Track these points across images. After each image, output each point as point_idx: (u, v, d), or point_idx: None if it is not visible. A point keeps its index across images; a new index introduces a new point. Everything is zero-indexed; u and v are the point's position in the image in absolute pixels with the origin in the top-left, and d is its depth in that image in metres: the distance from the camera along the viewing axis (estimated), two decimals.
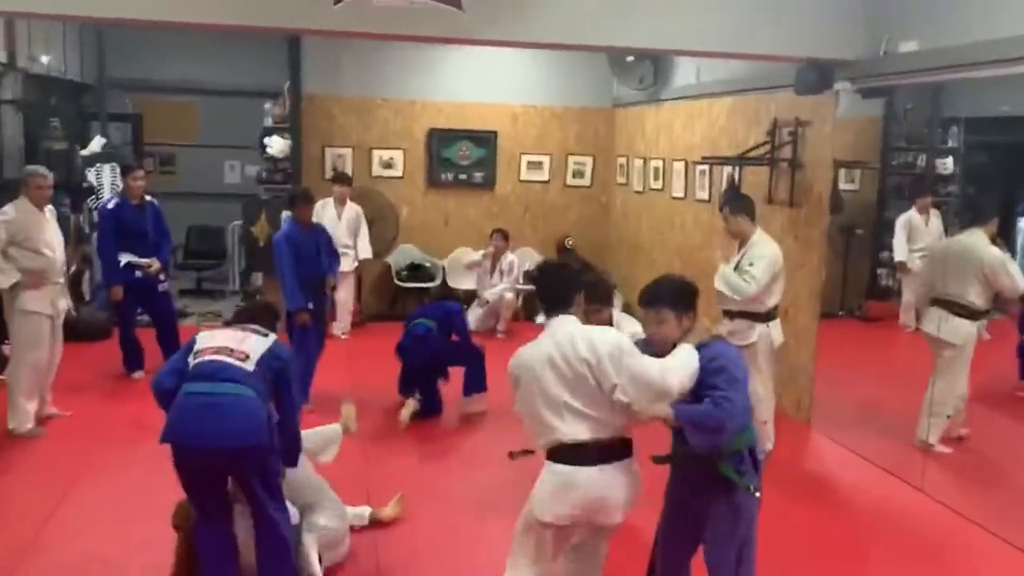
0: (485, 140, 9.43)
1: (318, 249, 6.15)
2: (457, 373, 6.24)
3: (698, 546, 3.18)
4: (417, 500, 4.61)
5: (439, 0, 4.78)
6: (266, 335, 3.55)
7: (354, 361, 7.33)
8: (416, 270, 9.25)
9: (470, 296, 9.01)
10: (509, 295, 8.73)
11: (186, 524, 3.57)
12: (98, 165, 8.18)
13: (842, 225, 7.48)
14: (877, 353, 7.69)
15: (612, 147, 9.74)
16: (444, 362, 6.22)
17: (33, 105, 8.13)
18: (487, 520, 4.52)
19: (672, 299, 3.06)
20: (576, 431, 2.95)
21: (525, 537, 3.15)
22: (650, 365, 2.91)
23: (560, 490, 3.00)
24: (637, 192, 9.11)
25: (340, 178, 8.28)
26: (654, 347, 3.06)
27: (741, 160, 6.74)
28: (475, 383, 6.21)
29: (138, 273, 6.57)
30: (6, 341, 5.94)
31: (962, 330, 5.31)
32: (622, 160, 9.55)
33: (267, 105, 8.88)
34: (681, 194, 8.09)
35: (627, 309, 6.10)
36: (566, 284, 3.21)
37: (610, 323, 4.02)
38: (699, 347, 3.01)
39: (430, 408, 6.07)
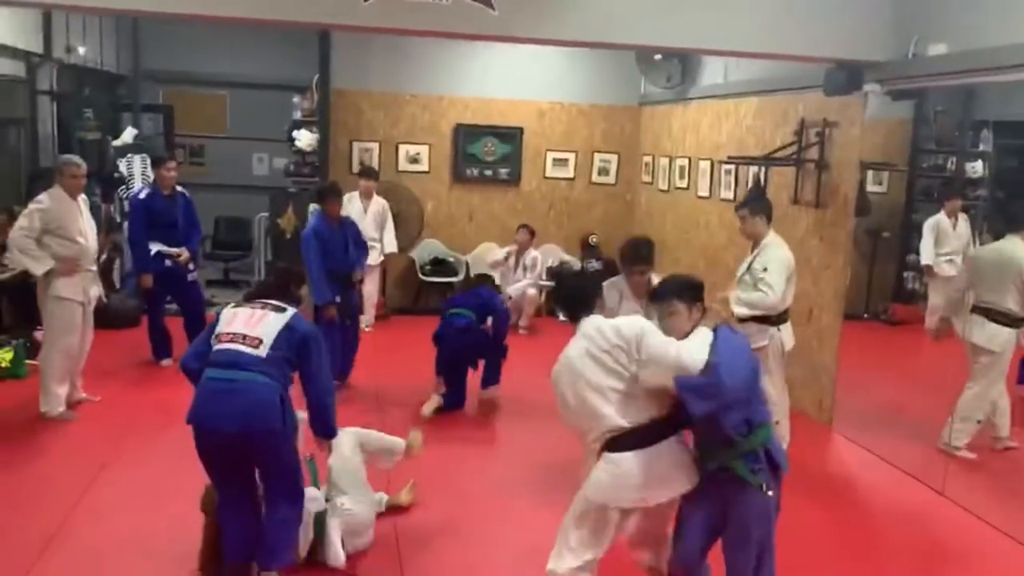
0: (511, 136, 9.47)
1: (346, 243, 6.21)
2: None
3: (715, 539, 3.22)
4: (438, 488, 4.68)
5: None
6: (284, 310, 3.56)
7: (378, 354, 7.41)
8: (440, 265, 9.31)
9: None
10: (532, 291, 8.77)
11: (212, 508, 3.65)
12: (129, 155, 8.31)
13: (869, 227, 7.44)
14: (901, 356, 7.65)
15: (638, 145, 9.74)
16: (478, 354, 6.26)
17: (67, 95, 8.27)
18: (506, 507, 4.59)
19: (680, 292, 3.27)
20: (625, 414, 3.10)
21: (577, 526, 3.24)
22: (667, 344, 3.11)
23: (623, 476, 3.11)
24: (662, 190, 9.11)
25: (367, 172, 8.35)
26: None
27: (767, 160, 6.73)
28: (492, 377, 6.32)
29: (168, 262, 6.67)
30: (39, 327, 6.06)
31: (1001, 337, 5.26)
32: (647, 158, 9.55)
33: (296, 99, 8.96)
34: (706, 193, 8.09)
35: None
36: (585, 289, 3.45)
37: (650, 285, 4.24)
38: (714, 330, 3.18)
39: (454, 402, 6.11)
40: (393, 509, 4.40)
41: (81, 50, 8.36)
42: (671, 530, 3.35)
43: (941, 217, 7.89)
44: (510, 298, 8.78)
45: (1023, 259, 5.29)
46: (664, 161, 9.08)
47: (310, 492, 3.84)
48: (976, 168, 8.32)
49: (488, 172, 9.49)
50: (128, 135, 8.49)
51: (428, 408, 5.93)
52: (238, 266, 10.43)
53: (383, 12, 4.84)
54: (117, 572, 3.82)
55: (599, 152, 9.74)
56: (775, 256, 5.16)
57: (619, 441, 3.12)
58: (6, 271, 6.26)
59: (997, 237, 6.21)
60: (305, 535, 3.76)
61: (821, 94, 5.98)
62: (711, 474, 3.14)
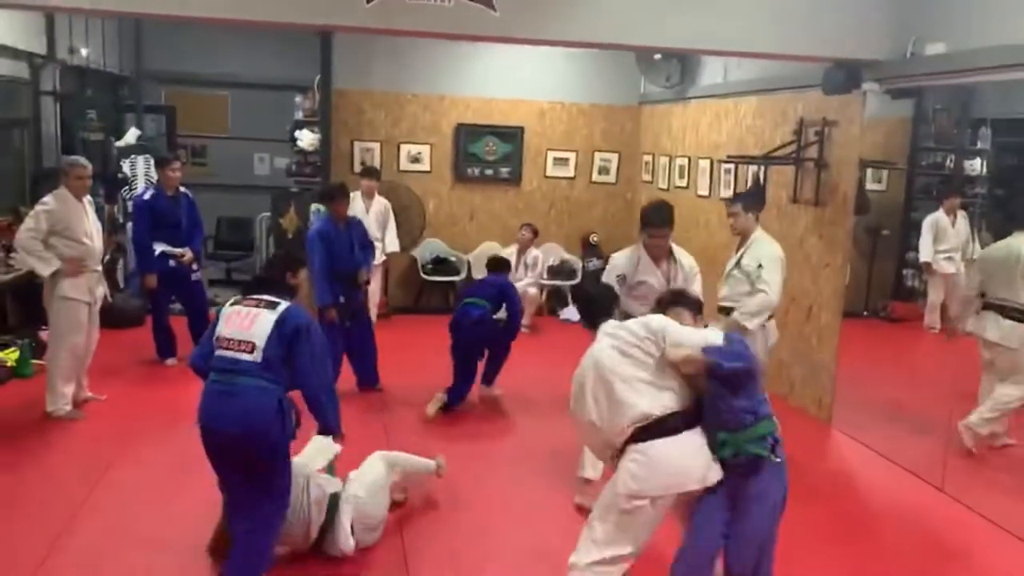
0: (512, 136, 9.51)
1: (352, 244, 6.21)
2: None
3: (722, 543, 3.25)
4: (443, 486, 4.71)
5: None
6: (276, 305, 3.53)
7: (381, 353, 7.42)
8: (441, 264, 9.35)
9: None
10: (533, 290, 8.81)
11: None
12: (132, 156, 8.35)
13: (868, 225, 7.48)
14: (900, 353, 7.69)
15: (638, 144, 9.79)
16: (491, 345, 6.30)
17: (71, 96, 8.31)
18: (511, 504, 4.63)
19: (686, 302, 3.62)
20: (653, 403, 3.20)
21: (602, 520, 3.30)
22: (685, 330, 3.35)
23: (651, 464, 3.18)
24: (662, 189, 9.15)
25: (369, 172, 8.37)
26: None
27: (767, 159, 6.77)
28: (493, 375, 6.39)
29: (172, 262, 6.72)
30: (45, 327, 6.11)
31: (1017, 332, 5.26)
32: (647, 157, 9.59)
33: (298, 99, 9.00)
34: (706, 192, 8.13)
35: None
36: (605, 299, 3.66)
37: (671, 252, 4.50)
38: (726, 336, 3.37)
39: (460, 394, 6.13)
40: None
41: (84, 51, 8.40)
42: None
43: (940, 215, 7.93)
44: None
45: None
46: (664, 160, 9.12)
47: (326, 477, 3.93)
48: (975, 166, 8.35)
49: (489, 171, 9.53)
50: (131, 136, 8.54)
51: (432, 408, 5.98)
52: (240, 266, 10.47)
53: (385, 14, 4.88)
54: (124, 569, 3.86)
55: (599, 151, 9.79)
56: (767, 253, 5.20)
57: (647, 431, 3.20)
58: (12, 272, 6.30)
59: (996, 234, 6.25)
60: (317, 516, 3.82)
61: (820, 93, 6.02)
62: (726, 464, 3.21)
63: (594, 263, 9.61)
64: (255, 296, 3.59)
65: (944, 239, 7.79)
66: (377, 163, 9.03)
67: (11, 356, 6.34)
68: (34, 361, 6.38)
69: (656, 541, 3.34)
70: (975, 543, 4.52)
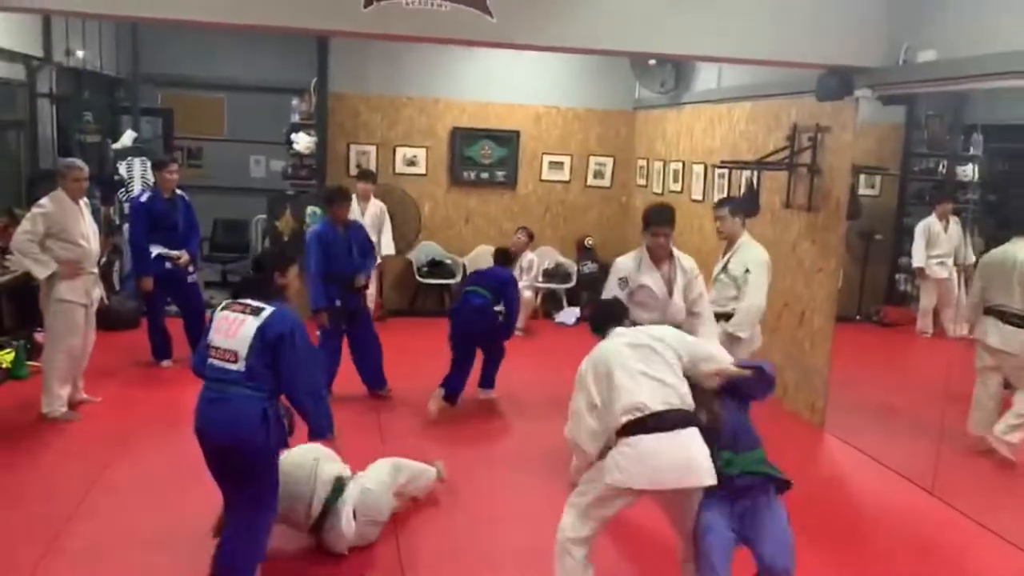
0: (507, 140, 9.55)
1: (350, 247, 6.21)
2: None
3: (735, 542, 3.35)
4: (438, 489, 4.74)
5: (468, 5, 4.90)
6: (261, 311, 3.46)
7: None
8: (437, 267, 9.38)
9: None
10: (528, 293, 8.84)
11: None
12: (129, 158, 8.35)
13: (861, 230, 7.53)
14: (893, 358, 7.75)
15: (632, 149, 9.84)
16: (489, 335, 6.33)
17: (67, 98, 8.32)
18: (506, 508, 4.67)
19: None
20: (653, 396, 3.31)
21: (600, 505, 3.41)
22: (710, 343, 3.77)
23: (638, 458, 3.26)
24: (656, 194, 9.18)
25: (365, 175, 8.41)
26: None
27: (760, 164, 6.81)
28: (489, 380, 6.43)
29: (168, 264, 6.72)
30: (40, 328, 6.12)
31: (1017, 338, 5.30)
32: (642, 162, 9.64)
33: (294, 102, 9.03)
34: (700, 197, 8.17)
35: None
36: (621, 310, 3.86)
37: (671, 254, 4.65)
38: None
39: (455, 386, 6.13)
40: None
41: (80, 53, 8.41)
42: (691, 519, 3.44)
43: (932, 220, 7.98)
44: None
45: (1021, 257, 5.36)
46: (658, 165, 9.16)
47: (339, 463, 4.05)
48: (967, 171, 8.42)
49: (485, 175, 9.56)
50: (127, 138, 8.54)
51: (433, 405, 6.00)
52: (236, 268, 10.47)
53: (382, 19, 4.91)
54: (121, 569, 3.88)
55: (594, 155, 9.84)
56: (754, 257, 5.25)
57: (641, 425, 3.28)
58: (8, 273, 6.31)
59: (988, 240, 6.31)
60: (322, 494, 3.90)
61: (813, 99, 6.07)
62: (733, 484, 3.31)
63: (589, 267, 9.66)
64: (242, 301, 3.55)
65: (936, 244, 7.85)
66: (373, 166, 9.07)
67: (6, 358, 6.35)
68: (29, 363, 6.39)
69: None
70: (966, 546, 4.56)
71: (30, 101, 7.95)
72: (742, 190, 7.20)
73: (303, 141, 8.81)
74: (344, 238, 6.18)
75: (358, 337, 6.33)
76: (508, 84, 9.41)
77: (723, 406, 3.45)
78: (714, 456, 3.28)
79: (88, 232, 5.71)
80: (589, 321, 3.82)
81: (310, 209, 8.62)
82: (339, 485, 3.97)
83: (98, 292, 5.91)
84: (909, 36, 5.33)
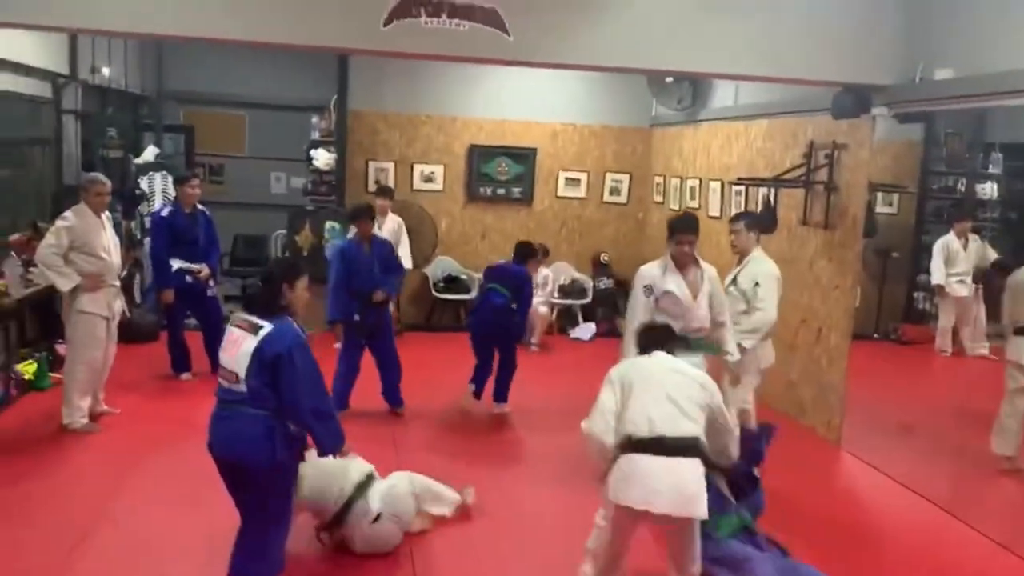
0: (524, 156, 9.62)
1: (373, 263, 6.22)
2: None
3: None
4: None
5: (486, 24, 4.97)
6: (259, 328, 3.38)
7: None
8: (453, 282, 9.43)
9: None
10: (543, 309, 8.86)
11: None
12: (151, 174, 8.47)
13: (879, 248, 7.52)
14: (911, 376, 7.70)
15: (649, 165, 9.87)
16: (506, 336, 6.51)
17: (91, 115, 8.46)
18: (520, 524, 4.66)
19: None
20: (665, 420, 3.42)
21: (601, 528, 3.60)
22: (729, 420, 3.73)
23: (634, 474, 3.38)
24: (673, 210, 9.19)
25: (382, 191, 8.48)
26: None
27: (777, 182, 6.82)
28: (502, 393, 6.52)
29: (188, 278, 6.80)
30: (62, 340, 6.20)
31: None
32: (659, 179, 9.66)
33: (314, 119, 9.15)
34: (717, 213, 8.18)
35: None
36: (666, 336, 3.91)
37: (698, 264, 4.71)
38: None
39: (483, 375, 6.49)
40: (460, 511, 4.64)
41: (105, 71, 8.55)
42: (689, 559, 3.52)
43: (951, 238, 7.94)
44: None
45: None
46: (675, 181, 9.18)
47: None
48: (987, 190, 8.39)
49: (501, 191, 9.62)
50: (150, 154, 8.67)
51: (467, 403, 6.41)
52: (256, 283, 10.55)
53: (401, 37, 4.99)
54: None
55: (611, 172, 9.87)
56: (763, 271, 5.25)
57: (640, 442, 3.39)
58: (31, 286, 6.40)
59: (1007, 257, 6.27)
60: (345, 489, 4.06)
61: (830, 117, 6.07)
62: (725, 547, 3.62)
63: (604, 283, 9.67)
64: (245, 317, 3.48)
65: (956, 262, 7.81)
66: (391, 182, 9.15)
67: (29, 369, 6.43)
68: (51, 374, 6.47)
69: None
70: (986, 567, 4.50)
71: (56, 118, 8.08)
72: (759, 207, 7.21)
73: (323, 158, 8.92)
74: (368, 255, 6.23)
75: (378, 353, 6.37)
76: (525, 102, 9.48)
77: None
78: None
79: (110, 245, 5.79)
80: (638, 342, 3.91)
81: (329, 224, 8.71)
82: (366, 482, 4.13)
83: (119, 305, 5.98)
84: (926, 54, 5.33)
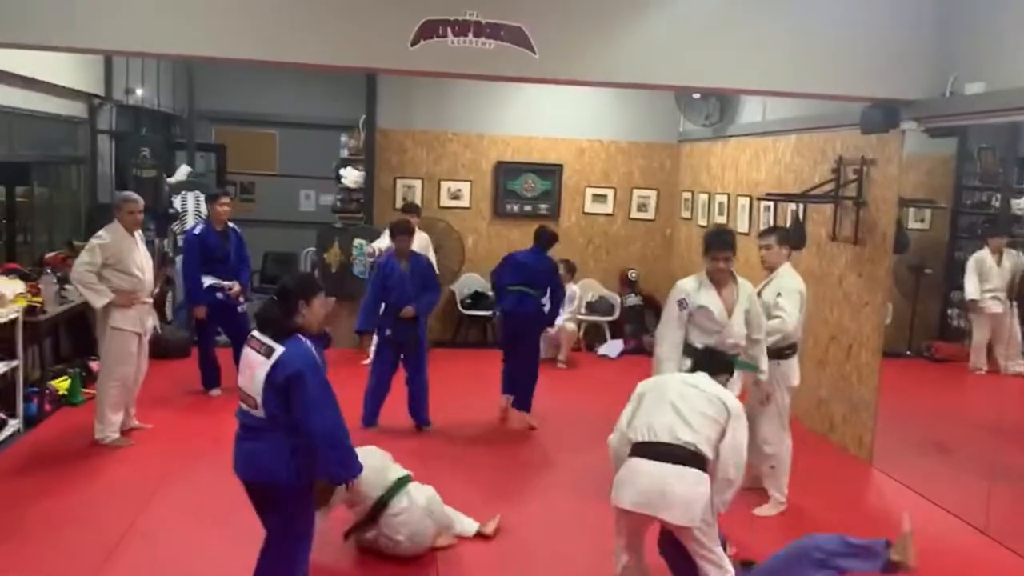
0: (550, 173, 9.64)
1: (408, 281, 6.27)
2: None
3: None
4: (475, 516, 4.74)
5: (512, 42, 5.00)
6: (272, 352, 3.31)
7: None
8: (480, 299, 9.44)
9: None
10: (571, 325, 8.84)
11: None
12: (183, 192, 8.61)
13: (911, 264, 7.42)
14: (945, 394, 7.56)
15: (677, 181, 9.84)
16: (534, 335, 6.65)
17: (126, 135, 8.63)
18: (545, 538, 4.64)
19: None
20: (664, 427, 3.54)
21: (616, 527, 3.72)
22: (745, 441, 3.68)
23: (627, 477, 3.52)
24: (701, 226, 9.17)
25: (410, 208, 8.52)
26: None
27: (806, 197, 6.77)
28: (526, 401, 6.61)
29: (219, 295, 6.88)
30: (95, 356, 6.29)
31: None
32: (687, 195, 9.64)
33: (343, 137, 9.25)
34: (745, 229, 8.13)
35: None
36: (717, 362, 4.01)
37: (734, 278, 4.69)
38: None
39: (512, 383, 6.58)
40: (478, 536, 4.60)
41: (139, 92, 8.73)
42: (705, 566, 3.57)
43: (985, 253, 7.82)
44: (548, 333, 8.86)
45: None
46: (703, 197, 9.15)
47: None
48: (1021, 205, 8.25)
49: (528, 208, 9.65)
50: (182, 172, 8.81)
51: (504, 402, 6.59)
52: (270, 299, 10.63)
53: (428, 56, 5.04)
54: None
55: (638, 188, 9.86)
56: (787, 284, 5.19)
57: (633, 449, 3.56)
58: (66, 303, 6.51)
59: None
60: (379, 486, 4.23)
61: (859, 132, 6.03)
62: None
63: (632, 299, 9.64)
64: (259, 338, 3.40)
65: (990, 278, 7.68)
66: (418, 199, 9.21)
67: (63, 385, 6.54)
68: (84, 390, 6.57)
69: None
70: None
71: (91, 138, 8.26)
72: (788, 223, 7.15)
73: (351, 176, 9.02)
74: (404, 270, 6.29)
75: (408, 367, 6.41)
76: (551, 118, 9.52)
77: None
78: None
79: (143, 263, 5.88)
80: (693, 361, 4.05)
81: (357, 241, 8.79)
82: (401, 484, 4.27)
83: (151, 321, 6.07)
84: (956, 67, 5.28)
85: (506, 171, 9.56)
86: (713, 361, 3.98)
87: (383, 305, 6.29)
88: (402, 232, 6.36)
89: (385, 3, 5.02)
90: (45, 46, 5.18)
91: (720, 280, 4.68)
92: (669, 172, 9.86)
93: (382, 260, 6.43)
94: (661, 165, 9.86)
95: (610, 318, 9.54)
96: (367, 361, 7.04)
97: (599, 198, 9.80)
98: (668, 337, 4.65)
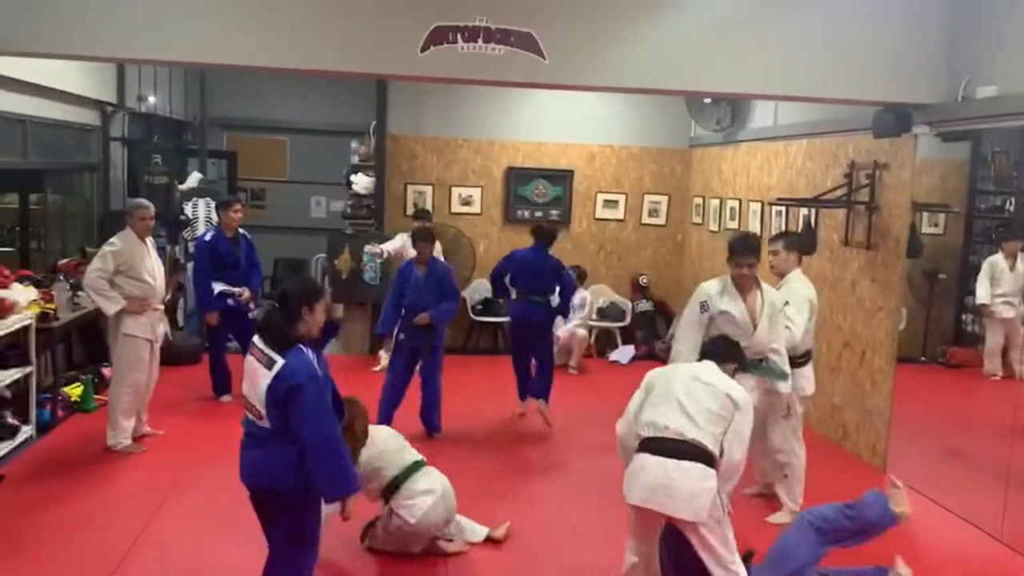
0: (561, 178, 9.63)
1: (426, 288, 6.26)
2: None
3: None
4: (487, 519, 4.73)
5: (522, 48, 5.00)
6: (273, 363, 3.26)
7: None
8: (491, 305, 9.43)
9: None
10: (582, 331, 8.82)
11: None
12: (194, 199, 8.65)
13: (925, 269, 7.36)
14: (959, 400, 7.49)
15: (688, 187, 9.82)
16: (539, 339, 6.76)
17: (138, 142, 8.68)
18: (555, 545, 4.62)
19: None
20: (669, 423, 3.56)
21: (628, 523, 3.75)
22: (748, 431, 3.68)
23: (634, 472, 3.57)
24: (712, 232, 9.14)
25: (421, 214, 8.52)
26: None
27: (818, 202, 6.74)
28: (546, 389, 6.72)
29: (230, 301, 6.90)
30: (108, 363, 6.31)
31: None
32: (698, 200, 9.61)
33: (353, 144, 9.27)
34: (757, 234, 8.10)
35: None
36: (730, 352, 4.02)
37: (759, 285, 4.66)
38: None
39: (526, 390, 6.77)
40: (488, 541, 4.60)
41: (151, 99, 8.78)
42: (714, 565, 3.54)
43: (998, 258, 7.75)
44: (559, 338, 8.85)
45: None
46: (715, 203, 9.12)
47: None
48: None
49: (539, 213, 9.62)
50: (194, 180, 8.85)
51: (521, 407, 6.77)
52: (271, 304, 10.65)
53: (439, 62, 5.04)
54: None
55: (649, 194, 9.84)
56: (796, 292, 5.12)
57: (653, 444, 3.56)
58: (78, 310, 6.54)
59: None
60: (395, 467, 4.32)
61: (871, 136, 6.00)
62: None
63: (643, 305, 9.61)
64: (260, 347, 3.33)
65: (1001, 283, 7.62)
66: (429, 206, 9.22)
67: (75, 391, 6.57)
68: (96, 396, 6.60)
69: None
70: None
71: (103, 145, 8.32)
72: (800, 228, 7.12)
73: (362, 182, 9.03)
74: (423, 278, 6.29)
75: (421, 376, 6.41)
76: (562, 124, 9.51)
77: None
78: None
79: (155, 269, 5.91)
80: (703, 350, 4.07)
81: (367, 248, 8.80)
82: (415, 467, 4.35)
83: (163, 328, 6.09)
84: (969, 71, 5.25)
85: (517, 177, 9.55)
86: (720, 349, 3.95)
87: (402, 310, 6.32)
88: (423, 239, 6.41)
89: (395, 9, 5.04)
90: (59, 54, 5.23)
91: (744, 286, 4.63)
92: (680, 177, 9.84)
93: (403, 265, 6.51)
94: (672, 170, 9.84)
95: (621, 324, 9.51)
96: (377, 368, 7.05)
97: (610, 203, 9.78)
98: (685, 339, 4.59)
